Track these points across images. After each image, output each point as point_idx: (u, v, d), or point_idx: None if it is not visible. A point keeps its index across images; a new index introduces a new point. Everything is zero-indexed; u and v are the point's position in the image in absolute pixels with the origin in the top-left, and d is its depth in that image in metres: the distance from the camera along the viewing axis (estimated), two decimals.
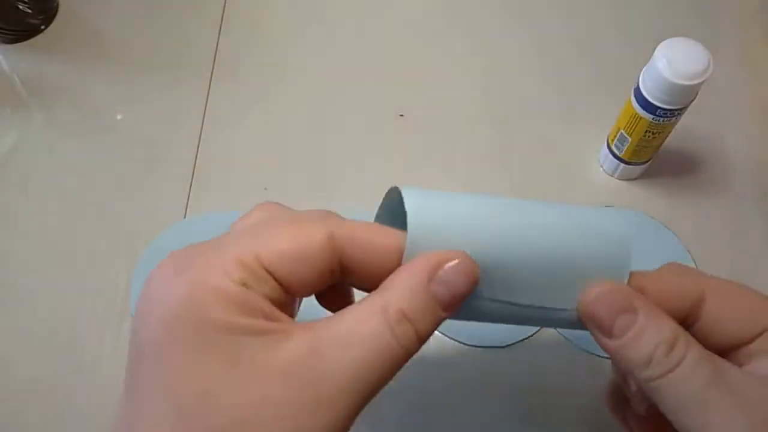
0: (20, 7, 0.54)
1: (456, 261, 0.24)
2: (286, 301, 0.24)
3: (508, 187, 0.49)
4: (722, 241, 0.46)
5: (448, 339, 0.43)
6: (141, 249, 0.46)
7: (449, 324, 0.43)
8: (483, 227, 0.26)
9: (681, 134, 0.50)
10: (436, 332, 0.43)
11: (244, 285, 0.22)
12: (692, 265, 0.45)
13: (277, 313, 0.23)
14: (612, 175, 0.49)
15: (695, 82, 0.39)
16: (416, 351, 0.24)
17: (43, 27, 0.56)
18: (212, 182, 0.49)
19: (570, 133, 0.51)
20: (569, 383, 0.42)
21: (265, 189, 0.49)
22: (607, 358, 0.35)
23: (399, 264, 0.24)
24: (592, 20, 0.56)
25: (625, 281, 0.27)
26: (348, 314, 0.23)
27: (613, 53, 0.54)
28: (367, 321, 0.23)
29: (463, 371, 0.42)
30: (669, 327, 0.25)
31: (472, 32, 0.56)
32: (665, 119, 0.42)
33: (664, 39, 0.40)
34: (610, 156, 0.47)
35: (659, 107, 0.41)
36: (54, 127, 0.52)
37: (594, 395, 0.41)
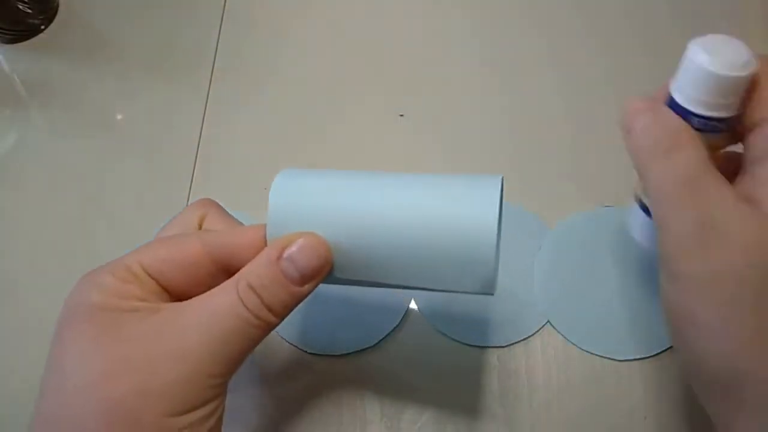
0: (20, 7, 0.54)
1: (301, 240, 0.28)
2: (174, 300, 0.30)
3: (506, 188, 0.49)
4: None
5: (448, 339, 0.43)
6: None
7: (449, 324, 0.43)
8: (338, 209, 0.29)
9: None
10: (436, 332, 0.43)
11: (123, 280, 0.29)
12: None
13: (154, 299, 0.29)
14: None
15: (745, 73, 0.28)
16: (272, 321, 0.28)
17: (43, 27, 0.56)
18: (212, 182, 0.49)
19: (569, 136, 0.51)
20: (569, 383, 0.42)
21: (265, 189, 0.49)
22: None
23: None
24: (594, 24, 0.56)
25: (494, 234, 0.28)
26: (209, 291, 0.28)
27: (615, 56, 0.54)
28: (221, 292, 0.28)
29: (463, 371, 0.42)
30: None
31: (472, 32, 0.56)
32: (715, 132, 0.30)
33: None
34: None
35: (706, 117, 0.30)
36: (54, 127, 0.52)
37: (594, 395, 0.41)
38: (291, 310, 0.29)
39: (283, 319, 0.29)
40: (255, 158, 0.50)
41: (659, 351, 0.42)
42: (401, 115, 0.52)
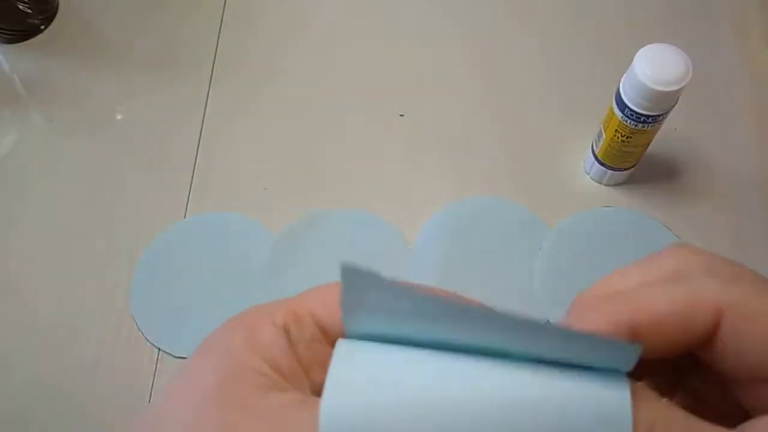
0: (20, 7, 0.54)
1: None
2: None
3: (506, 189, 0.49)
4: (722, 244, 0.46)
5: None
6: (141, 249, 0.46)
7: None
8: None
9: (680, 136, 0.50)
10: None
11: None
12: None
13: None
14: (600, 183, 0.49)
15: (674, 88, 0.39)
16: None
17: (43, 27, 0.56)
18: (212, 182, 0.49)
19: (568, 136, 0.51)
20: None
21: (265, 189, 0.49)
22: None
23: None
24: (594, 23, 0.56)
25: None
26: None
27: (615, 57, 0.54)
28: None
29: None
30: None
31: (471, 33, 0.56)
32: (646, 125, 0.42)
33: (664, 41, 0.40)
34: (596, 163, 0.47)
35: (639, 113, 0.41)
36: (54, 127, 0.52)
37: None
38: None
39: None
40: (255, 158, 0.50)
41: None
42: (401, 115, 0.52)
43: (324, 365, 0.20)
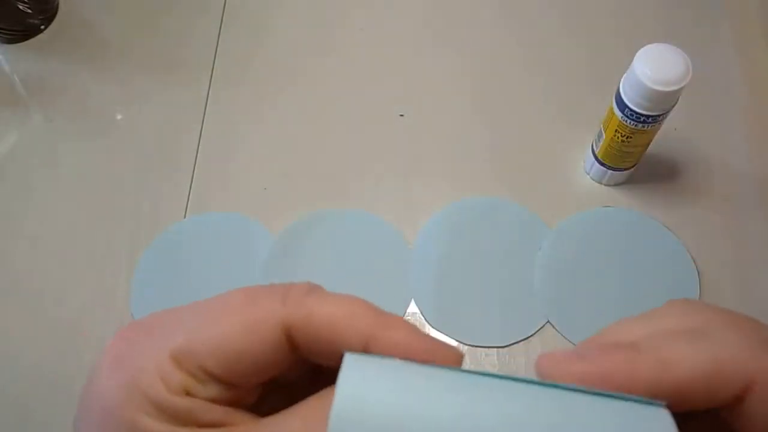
0: (20, 7, 0.54)
1: None
2: (240, 392, 0.21)
3: (506, 189, 0.49)
4: (722, 244, 0.46)
5: (448, 339, 0.43)
6: (141, 249, 0.46)
7: (449, 324, 0.43)
8: None
9: (680, 136, 0.50)
10: (436, 332, 0.43)
11: (187, 393, 0.19)
12: (693, 270, 0.45)
13: (230, 413, 0.20)
14: (600, 183, 0.49)
15: (674, 88, 0.39)
16: None
17: (43, 27, 0.56)
18: (212, 182, 0.49)
19: (568, 136, 0.51)
20: None
21: (265, 189, 0.49)
22: None
23: None
24: (594, 23, 0.56)
25: None
26: (297, 417, 0.20)
27: (615, 57, 0.54)
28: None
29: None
30: None
31: (471, 33, 0.56)
32: (646, 125, 0.42)
33: (664, 41, 0.40)
34: (596, 163, 0.47)
35: (639, 113, 0.41)
36: (54, 127, 0.52)
37: None
38: None
39: None
40: (254, 158, 0.50)
41: None
42: (401, 115, 0.52)
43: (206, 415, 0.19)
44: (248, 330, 0.19)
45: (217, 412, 0.20)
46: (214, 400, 0.20)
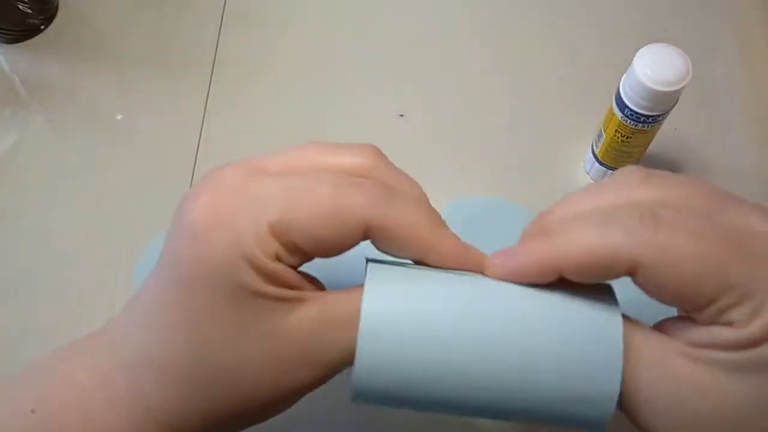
0: (20, 7, 0.54)
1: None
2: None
3: (506, 189, 0.49)
4: None
5: None
6: (141, 249, 0.46)
7: None
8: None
9: (680, 136, 0.50)
10: None
11: (278, 258, 0.24)
12: None
13: (304, 282, 0.25)
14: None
15: (674, 88, 0.39)
16: None
17: (43, 27, 0.56)
18: None
19: (568, 136, 0.51)
20: None
21: None
22: None
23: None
24: (593, 23, 0.56)
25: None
26: (354, 295, 0.25)
27: (615, 57, 0.54)
28: None
29: None
30: None
31: (471, 34, 0.56)
32: (646, 125, 0.42)
33: (664, 41, 0.40)
34: (596, 163, 0.48)
35: (639, 113, 0.41)
36: (54, 127, 0.52)
37: None
38: None
39: None
40: None
41: None
42: (401, 115, 0.52)
43: (287, 281, 0.25)
44: (335, 222, 0.24)
45: (296, 277, 0.25)
46: (293, 267, 0.25)
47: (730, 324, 0.22)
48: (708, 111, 0.51)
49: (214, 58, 0.55)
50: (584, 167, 0.49)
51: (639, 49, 0.40)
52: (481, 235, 0.47)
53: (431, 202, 0.30)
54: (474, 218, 0.47)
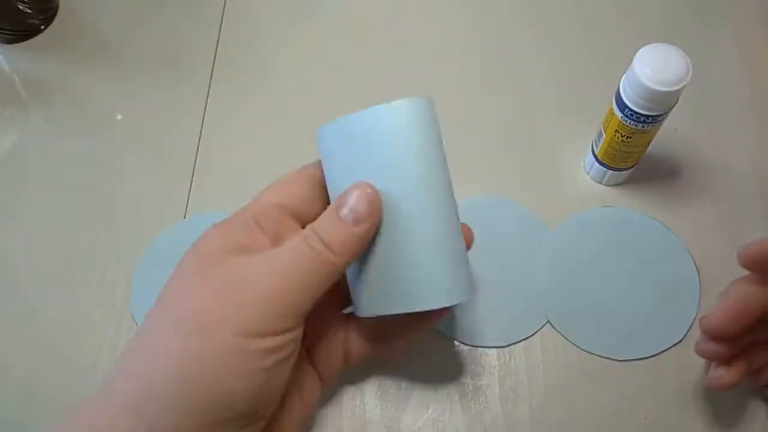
0: (20, 7, 0.54)
1: (356, 191, 0.32)
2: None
3: (506, 189, 0.49)
4: (723, 243, 0.46)
5: (448, 339, 0.43)
6: (141, 249, 0.46)
7: (448, 324, 0.43)
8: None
9: (680, 136, 0.50)
10: (436, 332, 0.43)
11: (281, 208, 0.36)
12: (693, 269, 0.45)
13: (291, 221, 0.35)
14: (600, 183, 0.49)
15: (674, 88, 0.39)
16: (331, 258, 0.32)
17: (43, 27, 0.56)
18: (212, 182, 0.49)
19: (568, 136, 0.51)
20: (569, 383, 0.42)
21: None
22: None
23: None
24: (594, 23, 0.56)
25: None
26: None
27: (615, 57, 0.54)
28: (294, 236, 0.33)
29: (463, 371, 0.42)
30: None
31: (471, 34, 0.56)
32: (646, 125, 0.42)
33: (664, 41, 0.40)
34: (596, 163, 0.47)
35: (639, 113, 0.41)
36: (54, 127, 0.52)
37: (594, 395, 0.41)
38: (352, 252, 0.32)
39: (345, 260, 0.32)
40: (255, 158, 0.50)
41: (659, 351, 0.42)
42: None
43: (291, 228, 0.35)
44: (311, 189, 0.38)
45: (289, 221, 0.35)
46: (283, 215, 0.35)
47: None
48: (708, 111, 0.51)
49: (215, 57, 0.55)
50: (584, 167, 0.49)
51: (639, 49, 0.40)
52: (481, 234, 0.47)
53: None
54: (473, 218, 0.47)
